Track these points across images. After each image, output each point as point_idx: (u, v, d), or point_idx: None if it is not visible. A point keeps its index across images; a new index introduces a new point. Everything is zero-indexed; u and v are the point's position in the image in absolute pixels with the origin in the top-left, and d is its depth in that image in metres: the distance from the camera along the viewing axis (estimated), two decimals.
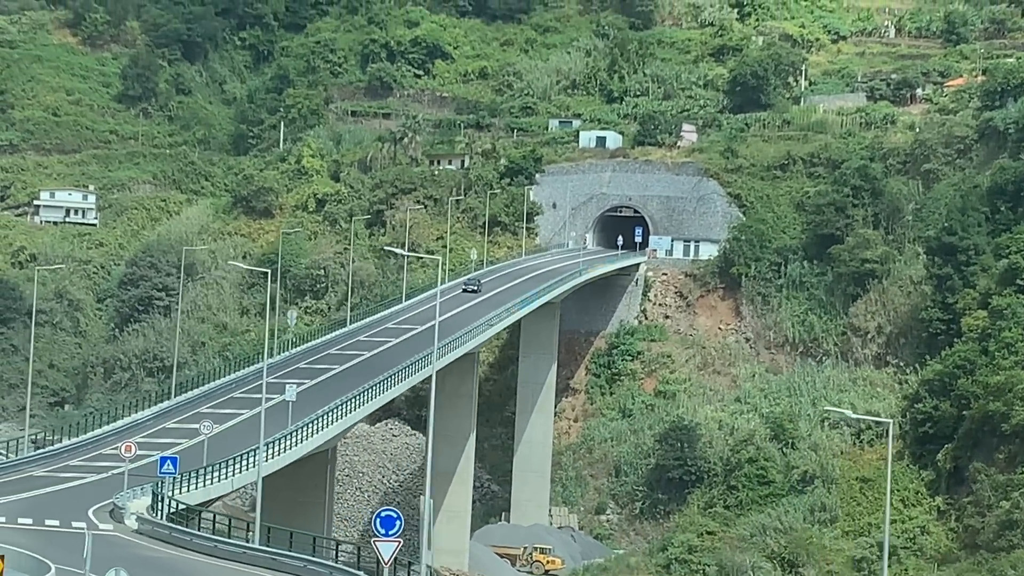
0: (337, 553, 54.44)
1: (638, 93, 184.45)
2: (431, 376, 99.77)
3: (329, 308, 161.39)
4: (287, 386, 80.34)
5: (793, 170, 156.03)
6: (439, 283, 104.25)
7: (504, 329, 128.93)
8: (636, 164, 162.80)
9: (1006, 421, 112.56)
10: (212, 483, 68.53)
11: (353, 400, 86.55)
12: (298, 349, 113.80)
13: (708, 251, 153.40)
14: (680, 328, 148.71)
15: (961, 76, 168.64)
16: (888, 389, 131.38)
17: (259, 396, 74.09)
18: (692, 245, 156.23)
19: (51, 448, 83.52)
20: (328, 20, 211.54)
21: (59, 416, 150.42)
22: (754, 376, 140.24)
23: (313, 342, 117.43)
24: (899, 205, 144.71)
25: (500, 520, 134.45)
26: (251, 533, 62.30)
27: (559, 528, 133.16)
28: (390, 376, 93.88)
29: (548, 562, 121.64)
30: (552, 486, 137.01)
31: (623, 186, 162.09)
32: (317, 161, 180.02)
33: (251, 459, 70.39)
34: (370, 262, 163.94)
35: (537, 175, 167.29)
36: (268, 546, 58.25)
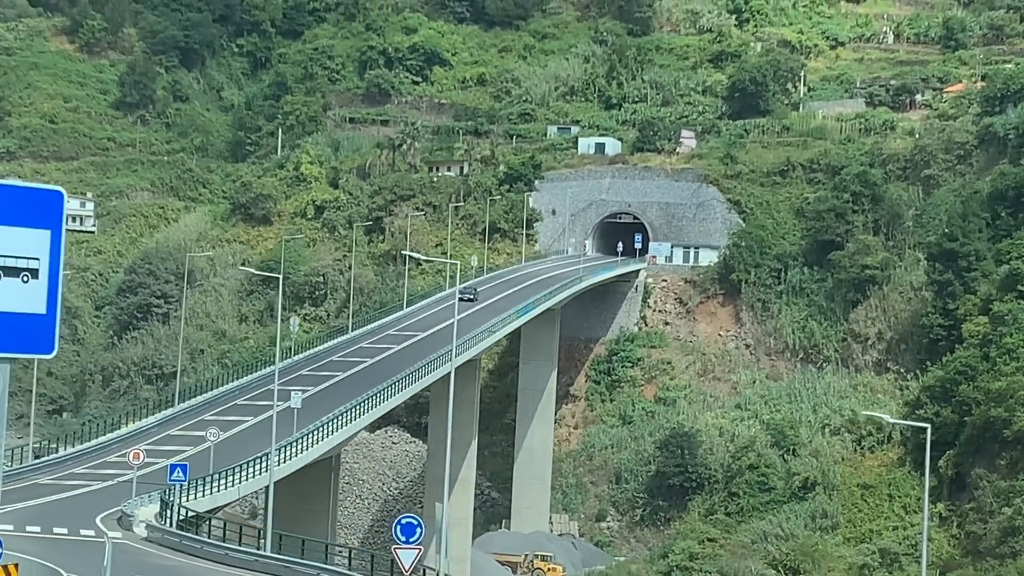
0: (350, 560, 54.17)
1: (637, 99, 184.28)
2: (436, 381, 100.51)
3: (328, 315, 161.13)
4: (292, 393, 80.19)
5: (793, 176, 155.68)
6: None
7: (504, 336, 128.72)
8: (635, 170, 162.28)
9: (1008, 427, 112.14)
10: (219, 490, 68.36)
11: (358, 406, 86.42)
12: (300, 356, 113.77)
13: (708, 257, 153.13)
14: (680, 334, 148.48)
15: (960, 82, 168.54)
16: (889, 395, 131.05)
17: (262, 403, 74.00)
18: (692, 251, 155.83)
19: (55, 456, 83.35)
20: (326, 27, 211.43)
21: (57, 424, 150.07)
22: (754, 382, 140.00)
23: (315, 349, 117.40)
24: (899, 211, 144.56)
25: (501, 527, 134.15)
26: (262, 540, 62.06)
27: (560, 535, 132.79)
28: (394, 382, 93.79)
29: (549, 569, 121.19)
30: (552, 493, 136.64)
31: (622, 192, 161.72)
32: (315, 168, 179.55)
33: (258, 466, 70.21)
34: (369, 269, 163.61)
35: (536, 182, 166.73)
36: (280, 554, 58.02)
